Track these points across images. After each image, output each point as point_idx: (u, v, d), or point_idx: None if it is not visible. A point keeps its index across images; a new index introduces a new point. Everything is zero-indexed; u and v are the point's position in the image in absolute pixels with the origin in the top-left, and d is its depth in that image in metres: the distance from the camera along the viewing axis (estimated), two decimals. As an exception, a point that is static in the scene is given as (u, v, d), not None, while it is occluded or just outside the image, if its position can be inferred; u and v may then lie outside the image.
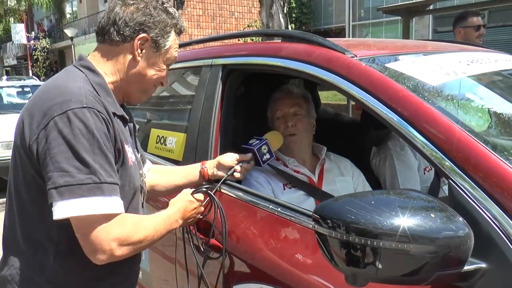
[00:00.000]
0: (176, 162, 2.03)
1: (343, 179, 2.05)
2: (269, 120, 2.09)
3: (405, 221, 0.93)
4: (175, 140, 2.10)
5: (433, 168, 2.27)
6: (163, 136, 2.19)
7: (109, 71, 1.36)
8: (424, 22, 14.43)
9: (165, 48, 1.37)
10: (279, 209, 1.50)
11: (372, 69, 1.37)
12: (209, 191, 1.61)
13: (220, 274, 1.59)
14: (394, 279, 0.97)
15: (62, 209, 1.14)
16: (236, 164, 1.76)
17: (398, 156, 2.25)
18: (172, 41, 1.39)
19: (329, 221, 0.96)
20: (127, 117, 1.41)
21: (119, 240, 1.21)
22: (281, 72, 1.70)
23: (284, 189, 1.91)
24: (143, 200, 1.51)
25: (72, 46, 21.93)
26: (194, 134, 1.95)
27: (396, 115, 1.22)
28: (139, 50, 1.34)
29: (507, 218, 0.99)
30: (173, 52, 1.42)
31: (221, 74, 1.92)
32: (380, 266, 0.95)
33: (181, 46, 2.78)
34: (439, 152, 1.11)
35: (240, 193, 1.69)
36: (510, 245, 0.98)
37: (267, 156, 1.81)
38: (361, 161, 2.23)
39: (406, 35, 6.39)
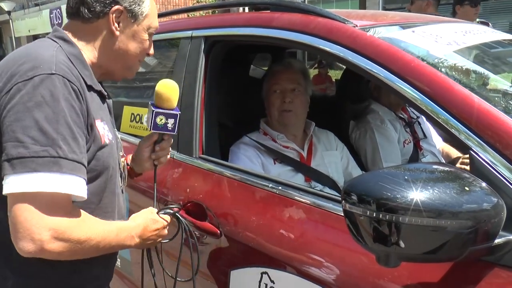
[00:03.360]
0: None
1: (329, 153, 2.03)
2: (264, 92, 2.00)
3: (441, 196, 0.89)
4: (153, 118, 1.97)
5: (412, 141, 2.33)
6: (138, 114, 2.06)
7: (85, 47, 1.24)
8: (374, 0, 14.61)
9: (143, 15, 1.26)
10: (280, 187, 1.44)
11: (378, 38, 1.31)
12: (177, 214, 1.40)
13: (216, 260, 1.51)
14: (428, 258, 0.94)
15: (12, 184, 1.00)
16: (152, 153, 1.44)
17: (379, 129, 2.24)
18: (148, 6, 1.28)
19: (363, 198, 0.90)
20: (106, 93, 1.29)
21: (55, 231, 1.02)
22: (274, 44, 1.62)
23: (274, 163, 1.85)
24: (122, 185, 1.38)
25: (10, 21, 20.55)
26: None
27: (409, 86, 1.17)
28: (116, 24, 1.23)
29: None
30: (152, 19, 1.31)
31: (203, 46, 1.81)
32: (414, 244, 0.91)
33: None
34: (459, 124, 1.08)
35: (233, 172, 1.61)
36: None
37: (170, 121, 1.37)
38: (340, 136, 2.20)
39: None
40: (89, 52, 1.24)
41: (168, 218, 1.37)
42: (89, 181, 1.14)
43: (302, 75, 1.99)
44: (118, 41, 1.25)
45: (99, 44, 1.24)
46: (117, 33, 1.24)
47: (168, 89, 1.37)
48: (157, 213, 1.36)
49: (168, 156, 1.49)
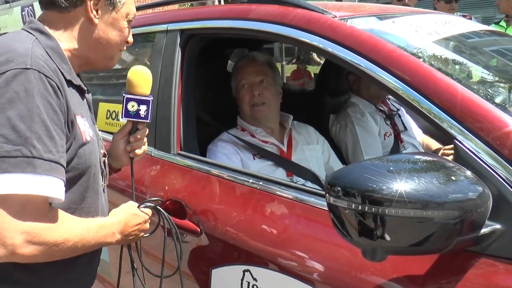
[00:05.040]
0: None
1: (310, 147, 2.01)
2: (233, 90, 1.97)
3: (427, 186, 0.86)
4: (129, 115, 1.91)
5: (393, 134, 2.32)
6: (114, 111, 2.00)
7: (63, 38, 1.17)
8: (349, -6, 14.73)
9: (121, 2, 1.21)
10: (261, 182, 1.40)
11: (359, 29, 1.28)
12: (158, 207, 1.35)
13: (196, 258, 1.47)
14: (414, 250, 0.92)
15: None
16: (127, 145, 1.37)
17: (359, 122, 2.23)
18: None
19: (347, 191, 0.88)
20: (85, 88, 1.24)
21: (28, 234, 0.98)
22: (251, 36, 1.58)
23: (254, 158, 1.82)
24: (104, 184, 1.32)
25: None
26: (153, 106, 1.78)
27: (393, 77, 1.14)
28: (94, 12, 1.17)
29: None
30: (130, 6, 1.25)
31: (179, 40, 1.76)
32: (400, 236, 0.89)
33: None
34: (442, 113, 1.06)
35: (212, 169, 1.57)
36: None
37: (142, 108, 1.32)
38: (319, 130, 2.18)
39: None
40: (67, 43, 1.18)
41: (149, 211, 1.33)
42: (71, 181, 1.10)
43: (268, 66, 1.96)
44: (98, 29, 1.19)
45: (77, 33, 1.18)
46: (96, 21, 1.18)
47: (139, 75, 1.33)
48: (138, 207, 1.31)
49: (144, 147, 1.40)
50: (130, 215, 1.28)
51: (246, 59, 1.98)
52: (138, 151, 1.38)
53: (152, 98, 1.33)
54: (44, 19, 1.19)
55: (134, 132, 1.35)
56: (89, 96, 1.28)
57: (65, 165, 1.05)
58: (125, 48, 1.30)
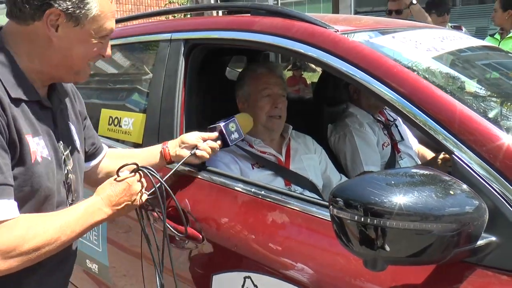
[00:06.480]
0: (135, 145, 1.88)
1: (308, 156, 2.04)
2: (246, 96, 1.95)
3: (426, 200, 0.90)
4: (132, 121, 1.94)
5: (390, 144, 2.36)
6: (116, 117, 2.02)
7: (22, 52, 1.13)
8: (346, 3, 14.81)
9: (88, 18, 1.12)
10: (262, 192, 1.43)
11: (361, 44, 1.33)
12: (137, 163, 1.31)
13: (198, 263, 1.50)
14: (412, 261, 0.95)
15: None
16: (201, 143, 1.56)
17: (358, 133, 2.26)
18: (96, 8, 1.12)
19: (350, 203, 0.91)
20: (48, 103, 1.18)
21: (1, 252, 1.00)
22: (254, 48, 1.62)
23: (253, 168, 1.85)
24: (71, 201, 1.26)
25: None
26: (155, 114, 1.81)
27: (393, 92, 1.18)
28: (52, 29, 1.10)
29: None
30: (104, 21, 1.15)
31: (183, 49, 1.79)
32: (399, 247, 0.93)
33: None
34: (441, 129, 1.10)
35: (215, 177, 1.60)
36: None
37: (235, 135, 1.62)
38: (317, 138, 2.21)
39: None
40: (26, 57, 1.13)
41: (127, 173, 1.29)
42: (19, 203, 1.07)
43: (282, 79, 1.99)
44: (58, 46, 1.12)
45: (36, 48, 1.12)
46: (55, 38, 1.11)
47: (251, 124, 1.75)
48: (117, 172, 1.28)
49: (206, 156, 1.57)
50: (110, 185, 1.25)
51: (265, 68, 1.97)
52: (199, 153, 1.54)
53: (243, 137, 1.67)
54: (7, 27, 1.15)
55: (213, 140, 1.58)
56: (57, 110, 1.23)
57: (12, 184, 1.04)
58: (96, 61, 1.25)
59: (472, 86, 1.38)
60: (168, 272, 1.64)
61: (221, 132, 1.59)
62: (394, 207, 0.89)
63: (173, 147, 1.58)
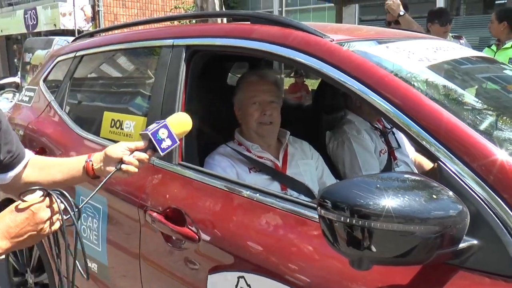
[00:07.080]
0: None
1: (305, 162, 2.07)
2: (238, 103, 2.01)
3: (411, 203, 0.95)
4: (133, 124, 1.99)
5: (387, 151, 2.41)
6: (118, 120, 2.07)
7: None
8: (350, 11, 14.90)
9: None
10: (257, 194, 1.48)
11: (354, 53, 1.37)
12: (45, 188, 1.14)
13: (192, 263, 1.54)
14: (397, 261, 0.99)
15: None
16: (127, 155, 1.35)
17: (356, 139, 2.30)
18: None
19: (337, 205, 0.96)
20: None
21: None
22: (252, 55, 1.67)
23: (250, 172, 1.89)
24: None
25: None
26: (156, 118, 1.85)
27: (383, 100, 1.23)
28: None
29: (494, 196, 1.05)
30: None
31: (184, 55, 1.84)
32: (385, 248, 0.97)
33: (104, 30, 2.61)
34: (429, 136, 1.14)
35: (212, 179, 1.64)
36: (499, 222, 1.03)
37: (168, 142, 1.37)
38: (315, 145, 2.26)
39: (339, 22, 6.56)
40: None
41: (36, 196, 1.12)
42: None
43: (276, 86, 2.01)
44: None
45: None
46: None
47: (186, 125, 1.45)
48: (19, 197, 1.10)
49: (135, 171, 1.35)
50: (9, 213, 1.09)
51: (257, 75, 2.01)
52: (125, 167, 1.33)
53: (178, 144, 1.41)
54: None
55: (141, 151, 1.36)
56: None
57: None
58: None
59: (465, 97, 1.43)
60: (165, 272, 1.69)
61: (150, 140, 1.37)
62: (379, 209, 0.94)
63: (97, 162, 1.38)
